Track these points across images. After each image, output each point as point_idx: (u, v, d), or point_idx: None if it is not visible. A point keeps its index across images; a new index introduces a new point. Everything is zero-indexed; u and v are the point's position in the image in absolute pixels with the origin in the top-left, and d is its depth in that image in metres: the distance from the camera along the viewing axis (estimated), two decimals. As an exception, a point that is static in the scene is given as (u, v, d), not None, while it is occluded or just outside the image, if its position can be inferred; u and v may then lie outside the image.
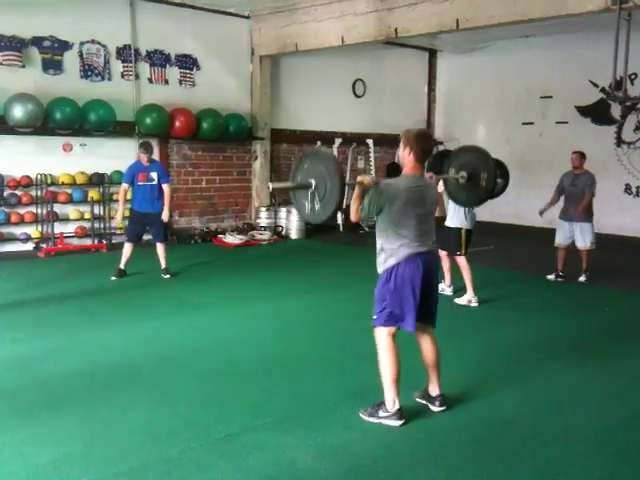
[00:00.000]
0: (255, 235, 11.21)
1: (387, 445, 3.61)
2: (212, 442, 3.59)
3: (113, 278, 7.70)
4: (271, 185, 3.49)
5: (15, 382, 4.50)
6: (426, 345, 4.00)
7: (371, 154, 13.23)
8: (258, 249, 10.50)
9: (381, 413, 3.83)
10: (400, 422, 3.79)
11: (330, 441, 3.63)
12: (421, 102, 14.94)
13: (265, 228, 11.60)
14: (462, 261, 6.87)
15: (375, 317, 3.85)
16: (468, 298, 6.81)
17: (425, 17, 9.18)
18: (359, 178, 3.69)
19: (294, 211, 11.60)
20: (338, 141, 12.66)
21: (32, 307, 6.46)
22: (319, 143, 12.64)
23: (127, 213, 8.33)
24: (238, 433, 3.70)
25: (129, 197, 8.23)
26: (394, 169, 12.49)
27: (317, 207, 3.47)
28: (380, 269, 3.86)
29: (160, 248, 7.89)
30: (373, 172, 13.23)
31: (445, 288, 7.08)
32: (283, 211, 11.74)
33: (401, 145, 3.83)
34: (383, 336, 3.82)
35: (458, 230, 6.82)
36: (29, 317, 6.13)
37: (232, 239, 10.72)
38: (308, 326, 6.02)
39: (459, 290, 7.07)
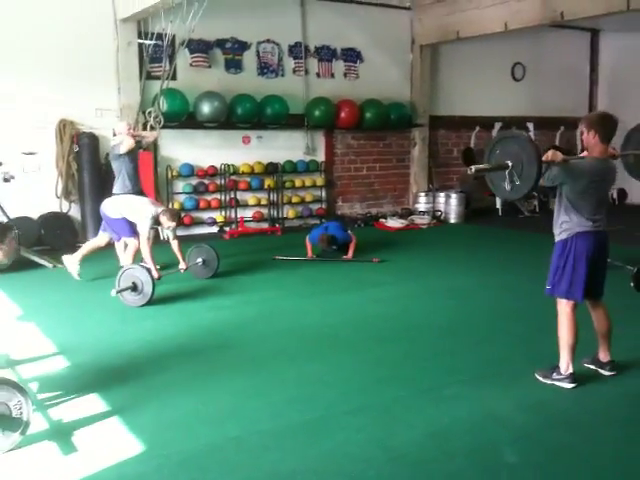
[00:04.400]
0: (415, 219, 11.62)
1: (582, 403, 3.94)
2: (418, 392, 4.10)
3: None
4: (473, 167, 3.82)
5: (240, 338, 5.28)
6: (597, 315, 4.29)
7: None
8: (419, 232, 10.90)
9: (555, 375, 4.15)
10: (572, 385, 4.08)
11: (525, 397, 4.00)
12: (583, 84, 14.57)
13: (424, 213, 11.97)
14: None
15: (549, 287, 4.20)
16: None
17: (593, -2, 9.07)
18: (550, 153, 3.96)
19: (453, 196, 11.89)
20: (497, 125, 12.72)
21: (234, 281, 7.30)
22: (478, 128, 12.79)
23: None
24: (438, 386, 4.18)
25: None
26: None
27: (517, 183, 3.81)
28: (556, 239, 4.20)
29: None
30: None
31: None
32: (442, 196, 12.04)
33: (584, 129, 4.11)
34: (563, 306, 4.15)
35: None
36: (235, 288, 6.95)
37: (394, 223, 11.21)
38: (481, 301, 6.33)
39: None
